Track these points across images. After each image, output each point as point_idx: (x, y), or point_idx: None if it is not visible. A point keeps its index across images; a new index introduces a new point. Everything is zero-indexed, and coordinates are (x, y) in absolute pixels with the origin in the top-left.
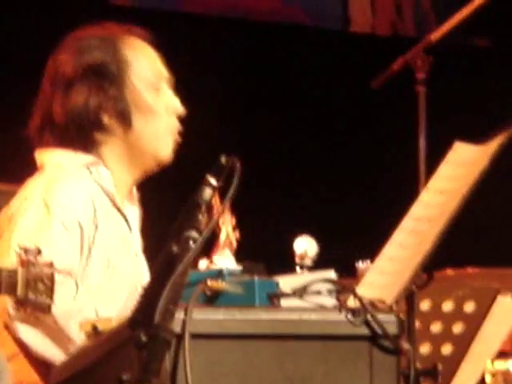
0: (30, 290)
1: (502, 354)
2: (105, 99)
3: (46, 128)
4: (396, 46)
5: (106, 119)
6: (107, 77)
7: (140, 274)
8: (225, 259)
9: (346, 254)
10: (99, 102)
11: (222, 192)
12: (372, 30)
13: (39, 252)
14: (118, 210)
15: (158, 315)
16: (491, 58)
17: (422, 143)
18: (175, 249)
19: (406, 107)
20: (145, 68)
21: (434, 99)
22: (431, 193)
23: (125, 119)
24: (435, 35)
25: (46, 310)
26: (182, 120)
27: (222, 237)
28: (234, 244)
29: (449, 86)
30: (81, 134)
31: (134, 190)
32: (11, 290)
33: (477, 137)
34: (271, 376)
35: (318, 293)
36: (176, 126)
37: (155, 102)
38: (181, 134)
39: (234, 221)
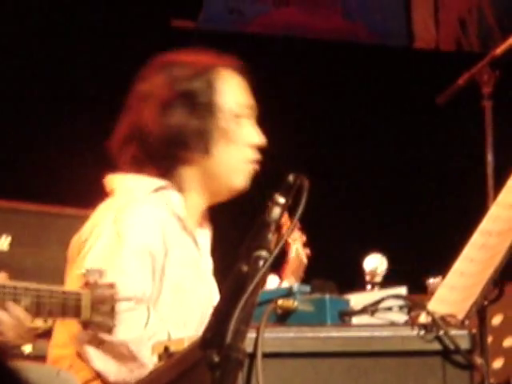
0: (94, 312)
1: None
2: (194, 124)
3: (132, 142)
4: (461, 62)
5: (192, 143)
6: (199, 104)
7: (211, 297)
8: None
9: (416, 270)
10: (190, 126)
11: (291, 210)
12: (436, 46)
13: (101, 273)
14: (189, 233)
15: (230, 335)
16: None
17: (490, 158)
18: (245, 269)
19: (472, 122)
20: (232, 99)
21: (501, 113)
22: (501, 207)
23: (208, 145)
24: (500, 49)
25: (109, 331)
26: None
27: (292, 254)
28: (305, 261)
29: None
30: (167, 153)
31: (206, 211)
32: (77, 312)
33: None
34: None
35: (389, 309)
36: (253, 157)
37: (237, 132)
38: (259, 163)
39: (304, 238)
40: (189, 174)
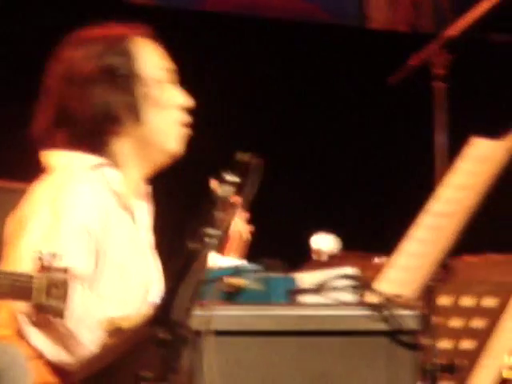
0: (46, 296)
1: None
2: (120, 97)
3: (61, 124)
4: (414, 43)
5: (121, 116)
6: (120, 77)
7: (151, 273)
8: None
9: (362, 250)
10: (116, 100)
11: (241, 188)
12: (390, 27)
13: (56, 257)
14: (128, 210)
15: (176, 312)
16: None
17: (440, 139)
18: (192, 246)
19: (424, 103)
20: (150, 65)
21: (452, 95)
22: (450, 188)
23: (136, 114)
24: (454, 31)
25: (61, 315)
26: (195, 115)
27: (233, 231)
28: (245, 237)
29: (467, 83)
30: (98, 130)
31: (146, 186)
32: (27, 295)
33: (495, 132)
34: (291, 372)
35: (338, 289)
36: (182, 118)
37: (161, 96)
38: (191, 126)
39: (246, 215)
40: (122, 146)
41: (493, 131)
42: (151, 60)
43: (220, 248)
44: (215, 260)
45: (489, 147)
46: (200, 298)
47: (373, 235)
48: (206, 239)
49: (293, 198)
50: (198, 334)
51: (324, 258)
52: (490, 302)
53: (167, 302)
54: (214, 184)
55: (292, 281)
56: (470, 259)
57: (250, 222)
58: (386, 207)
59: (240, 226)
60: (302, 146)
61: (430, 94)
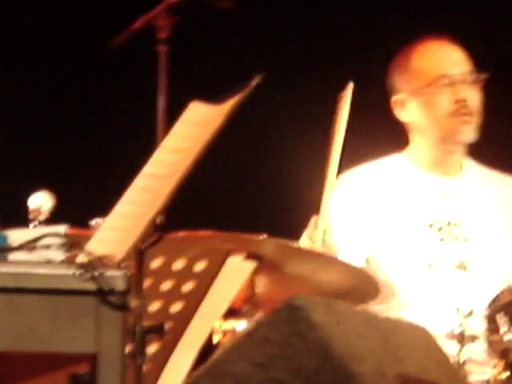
0: None
1: (232, 313)
2: None
3: None
4: (138, 5)
5: None
6: None
7: None
8: None
9: (81, 210)
10: None
11: None
12: None
13: None
14: None
15: None
16: (234, 20)
17: (162, 103)
18: None
19: (147, 67)
20: None
21: (176, 59)
22: (165, 151)
23: None
24: None
25: None
26: None
27: None
28: None
29: (191, 47)
30: None
31: None
32: None
33: (215, 97)
34: None
35: (48, 247)
36: None
37: None
38: None
39: None
40: None
41: (213, 96)
42: None
43: None
44: None
45: (206, 111)
46: None
47: (94, 197)
48: None
49: (10, 154)
50: None
51: (42, 217)
52: (201, 265)
53: None
54: None
55: (4, 238)
56: (183, 234)
57: None
58: (107, 170)
59: None
60: (22, 105)
61: (154, 57)
